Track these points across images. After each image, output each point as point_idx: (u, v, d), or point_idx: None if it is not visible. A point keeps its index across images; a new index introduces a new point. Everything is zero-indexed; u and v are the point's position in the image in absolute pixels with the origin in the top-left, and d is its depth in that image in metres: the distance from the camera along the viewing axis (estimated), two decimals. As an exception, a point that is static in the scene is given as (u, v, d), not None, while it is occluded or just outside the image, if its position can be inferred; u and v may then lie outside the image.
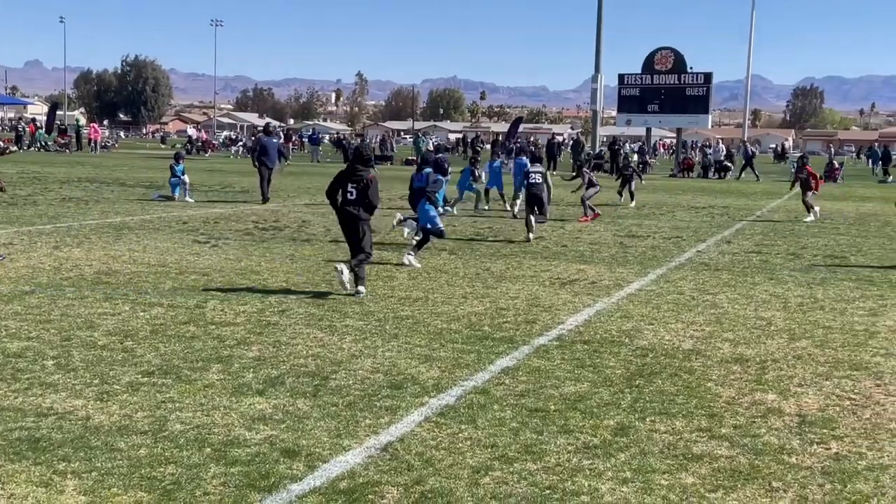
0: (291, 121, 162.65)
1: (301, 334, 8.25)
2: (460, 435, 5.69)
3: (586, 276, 12.23)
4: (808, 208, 21.94)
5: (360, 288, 10.32)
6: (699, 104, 49.83)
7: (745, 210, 24.97)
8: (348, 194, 10.37)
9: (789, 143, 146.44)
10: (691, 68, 50.31)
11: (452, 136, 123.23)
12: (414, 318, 9.12)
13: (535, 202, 17.11)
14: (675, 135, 59.05)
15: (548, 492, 4.84)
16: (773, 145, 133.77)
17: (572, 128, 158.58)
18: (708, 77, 50.12)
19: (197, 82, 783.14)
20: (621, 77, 52.25)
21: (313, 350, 7.69)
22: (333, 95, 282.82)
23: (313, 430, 5.67)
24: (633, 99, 51.61)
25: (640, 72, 51.39)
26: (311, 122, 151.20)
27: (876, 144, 64.48)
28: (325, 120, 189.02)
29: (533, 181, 17.41)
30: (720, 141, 59.20)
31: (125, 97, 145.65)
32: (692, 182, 41.78)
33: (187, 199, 23.12)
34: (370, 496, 4.71)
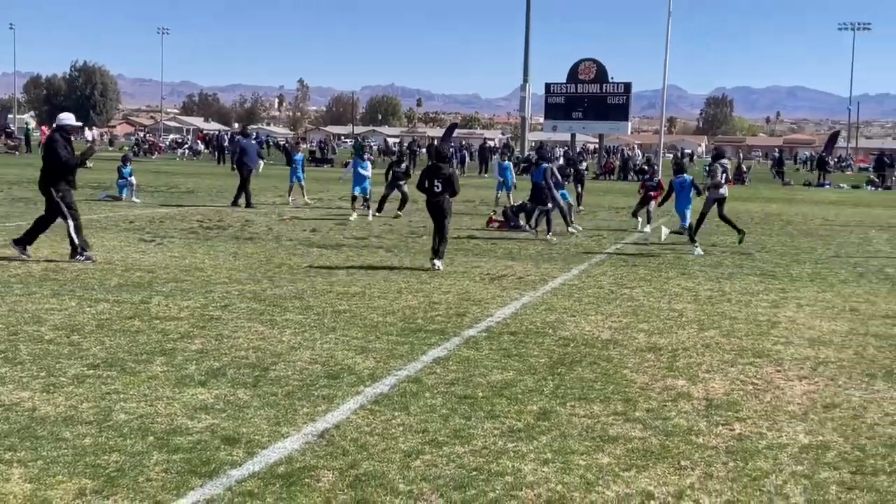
0: (236, 125, 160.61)
1: (243, 328, 8.17)
2: (393, 421, 5.69)
3: (514, 272, 12.32)
4: (645, 218, 19.28)
5: (437, 262, 12.20)
6: (619, 112, 50.62)
7: (660, 210, 25.25)
8: (435, 187, 12.21)
9: (702, 149, 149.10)
10: (612, 78, 51.07)
11: (391, 141, 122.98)
12: (351, 312, 9.09)
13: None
14: (597, 140, 59.73)
15: (475, 473, 4.88)
16: (689, 150, 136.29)
17: (503, 133, 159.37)
18: (627, 87, 50.92)
19: (144, 87, 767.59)
20: (548, 86, 52.80)
21: (254, 343, 7.62)
22: (276, 101, 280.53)
23: (253, 419, 5.63)
24: (559, 106, 52.19)
25: (565, 81, 52.00)
26: (255, 127, 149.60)
27: (777, 150, 65.87)
28: (268, 124, 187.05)
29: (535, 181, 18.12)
30: (637, 147, 60.05)
31: (74, 101, 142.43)
32: (612, 184, 42.31)
33: (134, 199, 22.72)
34: (306, 480, 4.69)
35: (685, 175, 16.43)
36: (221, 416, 5.66)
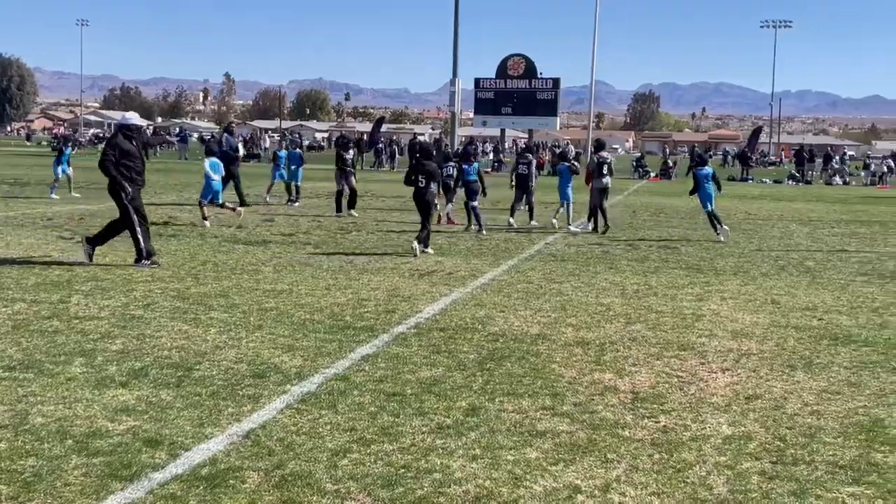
0: (159, 119, 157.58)
1: (166, 327, 8.03)
2: (321, 420, 5.66)
3: (444, 268, 12.34)
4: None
5: (428, 249, 13.69)
6: (548, 107, 51.16)
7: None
8: (420, 183, 13.62)
9: (629, 144, 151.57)
10: (541, 74, 51.56)
11: (319, 136, 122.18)
12: (278, 310, 9.00)
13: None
14: (527, 135, 60.22)
15: (403, 470, 4.87)
16: (616, 146, 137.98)
17: (433, 128, 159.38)
18: (556, 82, 51.45)
19: (62, 80, 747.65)
20: (477, 81, 53.05)
21: (178, 342, 7.49)
22: (201, 95, 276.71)
23: (176, 420, 5.53)
24: (489, 101, 52.51)
25: (494, 76, 52.30)
26: (178, 121, 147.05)
27: (696, 146, 66.95)
28: (192, 119, 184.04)
29: (521, 172, 18.96)
30: (569, 142, 60.78)
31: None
32: (543, 179, 42.60)
33: (74, 194, 22.50)
34: (231, 481, 4.63)
35: (707, 167, 17.58)
36: (143, 417, 5.55)
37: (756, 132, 64.29)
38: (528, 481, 4.79)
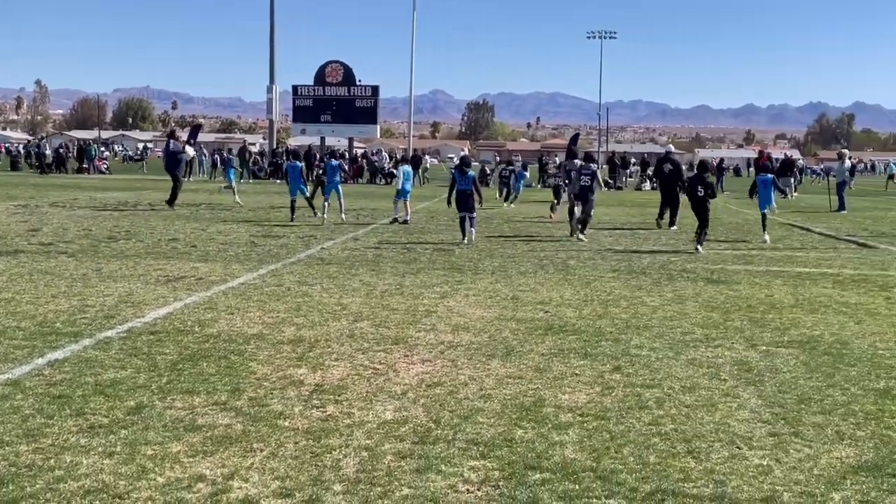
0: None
1: None
2: (-38, 425, 5.50)
3: (196, 274, 12.21)
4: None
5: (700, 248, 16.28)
6: (368, 115, 51.40)
7: (390, 211, 25.66)
8: (698, 192, 16.82)
9: (465, 153, 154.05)
10: (360, 81, 51.78)
11: (141, 145, 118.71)
12: (-17, 319, 8.69)
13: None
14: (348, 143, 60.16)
15: (24, 469, 4.81)
16: (451, 155, 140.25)
17: (264, 138, 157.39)
18: (375, 90, 51.80)
19: None
20: (295, 88, 52.76)
21: None
22: (15, 104, 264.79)
23: None
24: (307, 109, 52.28)
25: (312, 83, 52.16)
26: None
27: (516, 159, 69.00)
28: (4, 129, 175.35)
29: (584, 184, 18.96)
30: (382, 150, 61.34)
31: None
32: (360, 188, 42.85)
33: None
34: None
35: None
36: None
37: (573, 139, 66.71)
38: (153, 474, 4.83)
